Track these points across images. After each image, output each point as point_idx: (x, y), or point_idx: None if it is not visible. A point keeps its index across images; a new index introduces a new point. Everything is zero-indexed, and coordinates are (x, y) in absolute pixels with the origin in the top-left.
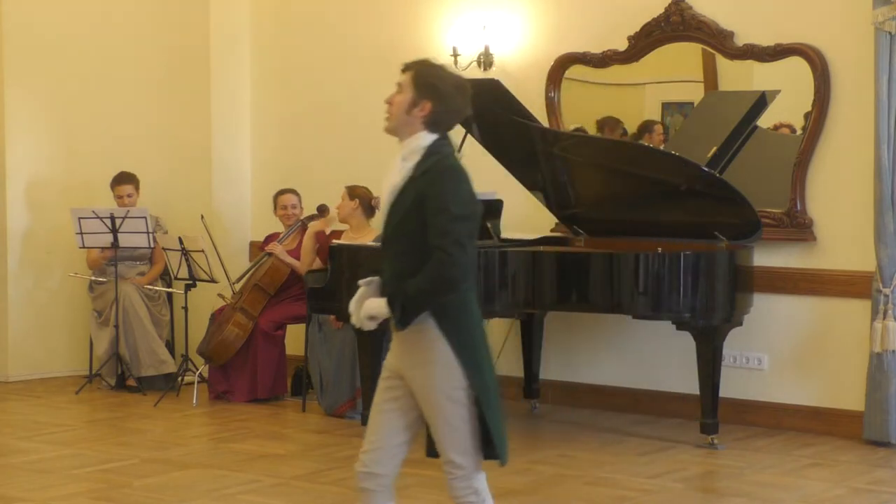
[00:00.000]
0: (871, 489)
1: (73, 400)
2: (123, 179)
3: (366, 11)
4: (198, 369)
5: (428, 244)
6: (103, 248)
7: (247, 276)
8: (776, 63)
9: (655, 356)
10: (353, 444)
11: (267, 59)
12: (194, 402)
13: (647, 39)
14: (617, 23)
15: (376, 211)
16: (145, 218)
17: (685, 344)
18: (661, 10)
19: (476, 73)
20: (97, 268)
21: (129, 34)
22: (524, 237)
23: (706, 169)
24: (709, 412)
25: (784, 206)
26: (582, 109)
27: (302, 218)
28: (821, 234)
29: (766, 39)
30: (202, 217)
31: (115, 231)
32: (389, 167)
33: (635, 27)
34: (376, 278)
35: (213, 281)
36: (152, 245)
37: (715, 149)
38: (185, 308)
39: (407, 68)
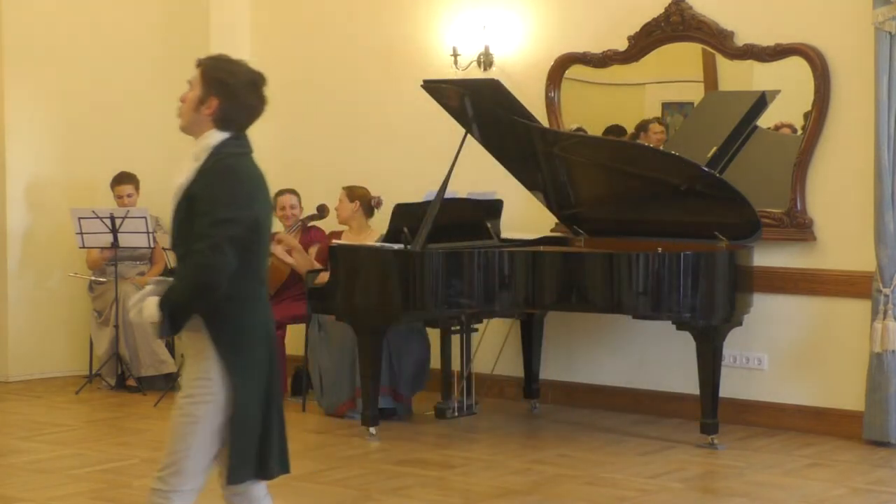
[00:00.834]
0: (871, 489)
1: (73, 400)
2: (123, 179)
3: (366, 11)
4: None
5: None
6: (103, 248)
7: None
8: (776, 63)
9: (655, 356)
10: (353, 444)
11: (267, 59)
12: None
13: (647, 39)
14: (617, 23)
15: (376, 211)
16: (145, 218)
17: (685, 344)
18: (661, 10)
19: (476, 73)
20: (97, 268)
21: (129, 34)
22: (524, 237)
23: (706, 169)
24: (709, 412)
25: (784, 206)
26: (582, 109)
27: (302, 218)
28: (821, 234)
29: (766, 39)
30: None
31: (115, 231)
32: (180, 166)
33: (635, 27)
34: (169, 279)
35: None
36: (152, 245)
37: (715, 149)
38: None
39: (198, 64)
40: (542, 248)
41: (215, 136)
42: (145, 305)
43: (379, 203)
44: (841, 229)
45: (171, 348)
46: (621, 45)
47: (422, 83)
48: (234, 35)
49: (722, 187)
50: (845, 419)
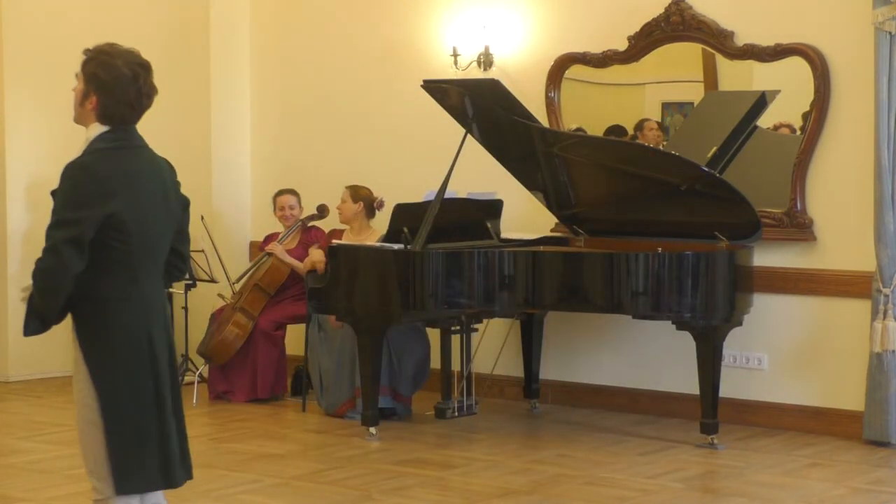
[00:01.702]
0: (871, 489)
1: (73, 400)
2: None
3: (366, 11)
4: (198, 369)
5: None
6: None
7: (247, 276)
8: (776, 63)
9: (655, 356)
10: (353, 444)
11: (267, 59)
12: (194, 402)
13: (647, 39)
14: (617, 23)
15: (377, 212)
16: None
17: (685, 344)
18: (661, 10)
19: (476, 73)
20: None
21: (128, 34)
22: (524, 237)
23: (706, 169)
24: (709, 412)
25: (784, 206)
26: (582, 109)
27: (302, 218)
28: (821, 234)
29: (766, 39)
30: (202, 217)
31: None
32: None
33: (635, 27)
34: None
35: (213, 281)
36: None
37: (715, 149)
38: (185, 308)
39: (83, 56)
40: (542, 248)
41: (93, 130)
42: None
43: (381, 204)
44: (841, 229)
45: None
46: (621, 45)
47: (422, 83)
48: (234, 35)
49: (722, 187)
50: (845, 419)
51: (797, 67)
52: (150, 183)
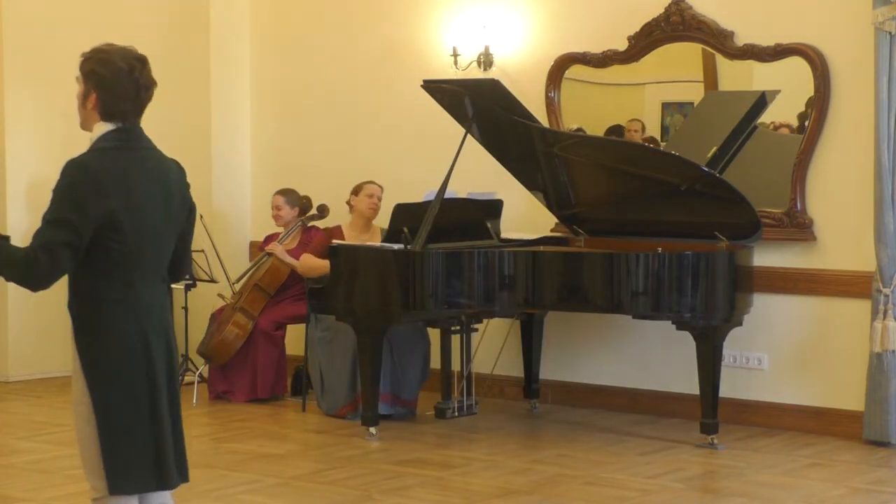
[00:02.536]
0: (871, 489)
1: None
2: None
3: (366, 11)
4: (198, 369)
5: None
6: None
7: (247, 276)
8: (776, 63)
9: (655, 356)
10: (353, 444)
11: (267, 59)
12: (194, 402)
13: (647, 39)
14: (617, 23)
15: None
16: None
17: (685, 344)
18: (661, 10)
19: (476, 73)
20: None
21: (128, 34)
22: (524, 237)
23: (706, 169)
24: (709, 412)
25: (784, 206)
26: (582, 109)
27: (302, 217)
28: (821, 234)
29: (766, 39)
30: (202, 217)
31: None
32: None
33: (635, 27)
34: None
35: (212, 281)
36: None
37: (715, 149)
38: (185, 308)
39: (80, 59)
40: (542, 248)
41: (99, 129)
42: None
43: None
44: (841, 229)
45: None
46: (621, 45)
47: (422, 83)
48: (234, 35)
49: (722, 187)
50: (845, 419)
51: (797, 67)
52: (149, 184)
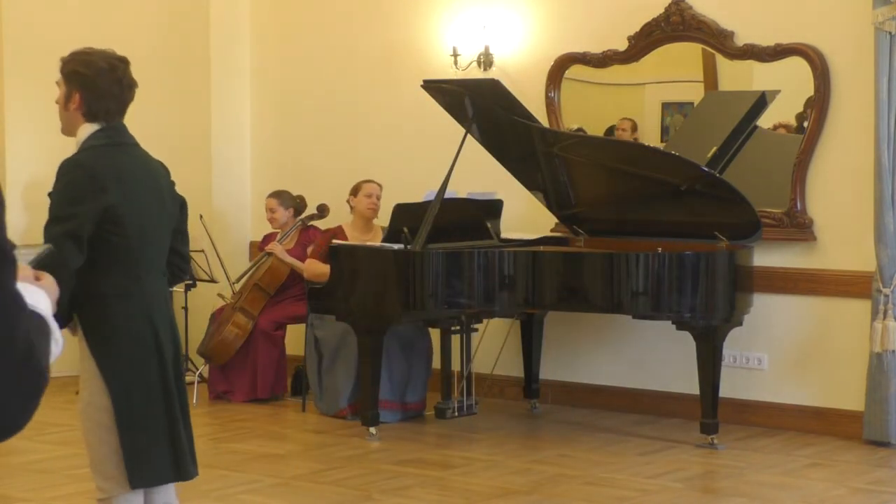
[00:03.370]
0: (871, 489)
1: (73, 400)
2: None
3: (366, 11)
4: (198, 369)
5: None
6: None
7: (247, 275)
8: (776, 63)
9: (655, 356)
10: (353, 444)
11: (267, 59)
12: (194, 402)
13: (647, 39)
14: (617, 23)
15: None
16: None
17: (685, 344)
18: (661, 10)
19: (476, 73)
20: None
21: (128, 34)
22: (524, 237)
23: (706, 169)
24: (709, 412)
25: (784, 206)
26: (582, 109)
27: (302, 217)
28: (821, 234)
29: (766, 39)
30: (201, 217)
31: None
32: None
33: (635, 27)
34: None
35: (212, 281)
36: None
37: (715, 149)
38: (185, 308)
39: (60, 63)
40: (542, 248)
41: (85, 131)
42: None
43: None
44: (841, 229)
45: None
46: (621, 45)
47: (422, 83)
48: (234, 35)
49: (722, 187)
50: (845, 419)
51: (797, 67)
52: (144, 179)
